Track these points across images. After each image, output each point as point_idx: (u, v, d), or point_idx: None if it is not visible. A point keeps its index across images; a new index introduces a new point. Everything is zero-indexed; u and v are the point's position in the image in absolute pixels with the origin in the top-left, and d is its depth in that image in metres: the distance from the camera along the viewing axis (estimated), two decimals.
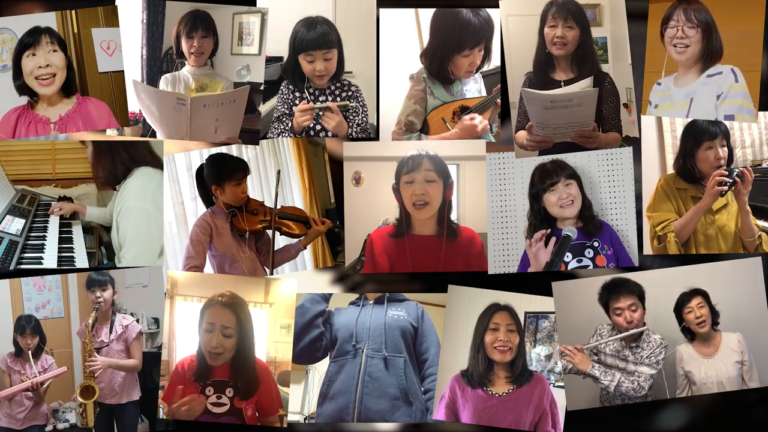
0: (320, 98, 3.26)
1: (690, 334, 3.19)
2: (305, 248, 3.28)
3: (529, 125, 3.20)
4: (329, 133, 3.25)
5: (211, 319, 3.04)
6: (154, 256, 3.22)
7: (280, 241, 3.32)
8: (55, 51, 3.16)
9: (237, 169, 3.22)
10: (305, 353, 3.20)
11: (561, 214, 3.19)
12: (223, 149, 3.29)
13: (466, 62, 3.22)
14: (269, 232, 3.24)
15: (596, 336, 3.21)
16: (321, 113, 3.23)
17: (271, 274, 3.24)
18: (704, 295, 3.16)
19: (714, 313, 3.16)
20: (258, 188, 3.39)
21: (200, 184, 3.28)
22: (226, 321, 3.03)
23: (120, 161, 3.25)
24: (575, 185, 3.18)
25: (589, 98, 3.13)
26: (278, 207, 3.25)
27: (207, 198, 3.28)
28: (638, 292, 3.17)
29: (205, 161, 3.25)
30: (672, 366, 3.19)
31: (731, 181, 3.11)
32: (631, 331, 3.14)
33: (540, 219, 3.21)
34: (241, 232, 3.24)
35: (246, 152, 3.32)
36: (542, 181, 3.20)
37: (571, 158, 3.22)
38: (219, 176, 3.22)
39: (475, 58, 3.22)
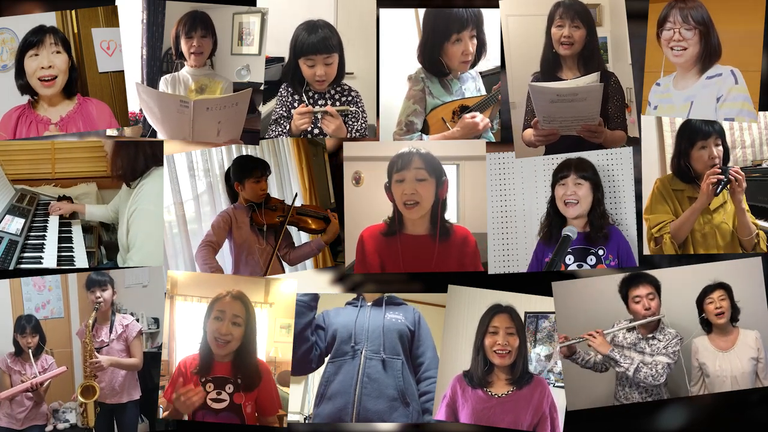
0: (319, 102, 3.26)
1: (707, 327, 3.20)
2: (327, 244, 3.30)
3: (535, 121, 3.21)
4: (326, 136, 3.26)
5: (222, 308, 3.09)
6: (161, 260, 3.22)
7: (303, 238, 3.40)
8: (58, 52, 3.16)
9: (255, 168, 3.30)
10: (297, 367, 3.22)
11: (565, 211, 3.19)
12: (223, 150, 3.30)
13: (458, 50, 3.21)
14: (289, 227, 3.33)
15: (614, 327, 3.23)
16: (320, 117, 3.23)
17: (291, 265, 3.33)
18: (727, 289, 3.17)
19: (735, 309, 3.18)
20: None
21: (227, 182, 3.37)
22: (237, 311, 3.08)
23: (143, 155, 3.25)
24: (587, 187, 3.17)
25: (595, 92, 3.13)
26: (299, 204, 3.35)
27: (233, 195, 3.36)
28: (655, 284, 3.19)
29: (232, 161, 3.34)
30: (687, 359, 3.20)
31: (725, 179, 3.10)
32: (649, 319, 3.16)
33: (552, 213, 3.22)
34: (260, 226, 3.29)
35: (246, 152, 3.33)
36: (558, 172, 3.21)
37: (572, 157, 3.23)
38: (240, 174, 3.30)
39: (467, 46, 3.21)
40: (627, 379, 3.19)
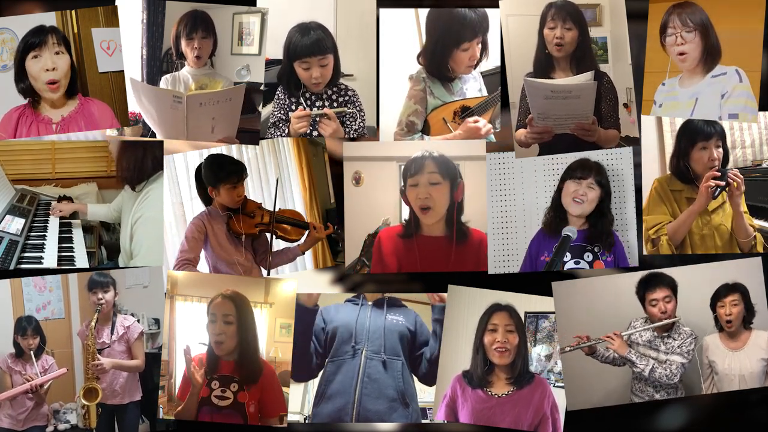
0: (317, 103, 3.25)
1: (720, 325, 3.21)
2: (303, 254, 3.28)
3: (530, 118, 3.21)
4: None
5: (214, 311, 3.12)
6: (161, 260, 3.23)
7: (279, 244, 3.32)
8: (61, 53, 3.15)
9: (232, 173, 3.21)
10: (297, 374, 3.23)
11: (569, 206, 3.19)
12: (223, 150, 3.29)
13: (465, 57, 3.21)
14: (267, 234, 3.26)
15: (630, 328, 3.23)
16: (318, 119, 3.23)
17: (268, 274, 3.25)
18: (743, 291, 3.18)
19: (749, 312, 3.18)
20: (258, 189, 3.39)
21: (198, 183, 3.28)
22: (227, 310, 3.11)
23: (151, 157, 3.23)
24: (597, 192, 3.17)
25: (588, 91, 3.14)
26: (277, 209, 3.26)
27: (205, 197, 3.29)
28: (672, 285, 3.19)
29: (203, 161, 3.24)
30: (698, 356, 3.22)
31: (723, 183, 3.11)
32: (665, 321, 3.17)
33: (554, 207, 3.23)
34: (237, 235, 3.25)
35: (246, 152, 3.32)
36: (574, 169, 3.20)
37: (571, 158, 3.23)
38: (215, 178, 3.22)
39: (475, 52, 3.21)
40: (642, 376, 3.20)
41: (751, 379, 3.20)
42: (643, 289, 3.21)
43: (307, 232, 3.27)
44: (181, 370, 3.17)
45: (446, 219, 3.14)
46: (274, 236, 3.25)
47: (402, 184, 3.17)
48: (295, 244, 3.28)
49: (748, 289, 3.18)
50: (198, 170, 3.26)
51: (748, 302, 3.18)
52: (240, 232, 3.24)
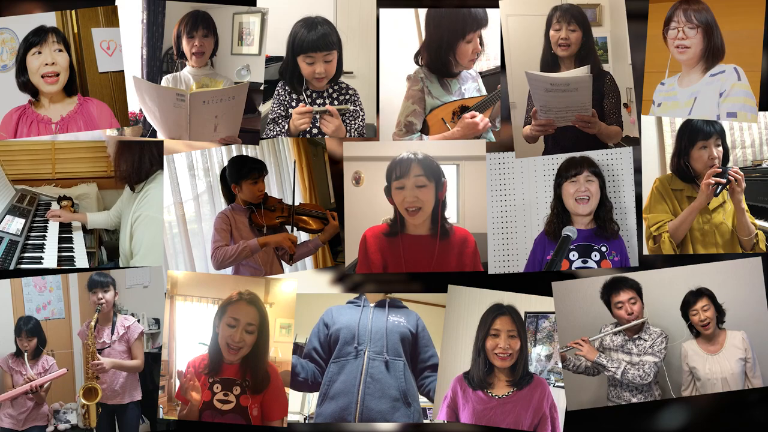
0: (317, 101, 3.25)
1: (696, 331, 3.22)
2: (324, 243, 3.30)
3: (534, 111, 3.23)
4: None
5: (236, 315, 3.06)
6: (161, 260, 3.22)
7: (301, 237, 3.36)
8: (60, 51, 3.16)
9: (253, 169, 3.28)
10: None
11: (575, 209, 3.20)
12: (223, 150, 3.30)
13: (469, 48, 3.22)
14: (288, 227, 3.30)
15: (600, 333, 3.24)
16: (319, 116, 3.22)
17: (290, 264, 3.32)
18: (710, 296, 3.18)
19: (720, 312, 3.19)
20: None
21: (223, 182, 3.34)
22: (251, 318, 3.06)
23: (149, 156, 3.24)
24: (596, 184, 3.19)
25: (584, 83, 3.16)
26: (296, 203, 3.31)
27: (229, 195, 3.33)
28: (636, 287, 3.21)
29: (228, 161, 3.31)
30: (678, 363, 3.23)
31: (725, 181, 3.11)
32: (633, 323, 3.18)
33: (557, 212, 3.23)
34: (259, 227, 3.28)
35: (246, 152, 3.33)
36: (566, 170, 3.22)
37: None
38: (237, 175, 3.28)
39: (477, 44, 3.23)
40: (617, 380, 3.21)
41: (732, 380, 3.20)
42: (607, 294, 3.23)
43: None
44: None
45: (432, 217, 3.13)
46: (295, 228, 3.30)
47: (386, 183, 3.14)
48: (315, 235, 3.30)
49: (714, 293, 3.19)
50: (223, 172, 3.33)
51: (717, 304, 3.19)
52: (262, 224, 3.29)
